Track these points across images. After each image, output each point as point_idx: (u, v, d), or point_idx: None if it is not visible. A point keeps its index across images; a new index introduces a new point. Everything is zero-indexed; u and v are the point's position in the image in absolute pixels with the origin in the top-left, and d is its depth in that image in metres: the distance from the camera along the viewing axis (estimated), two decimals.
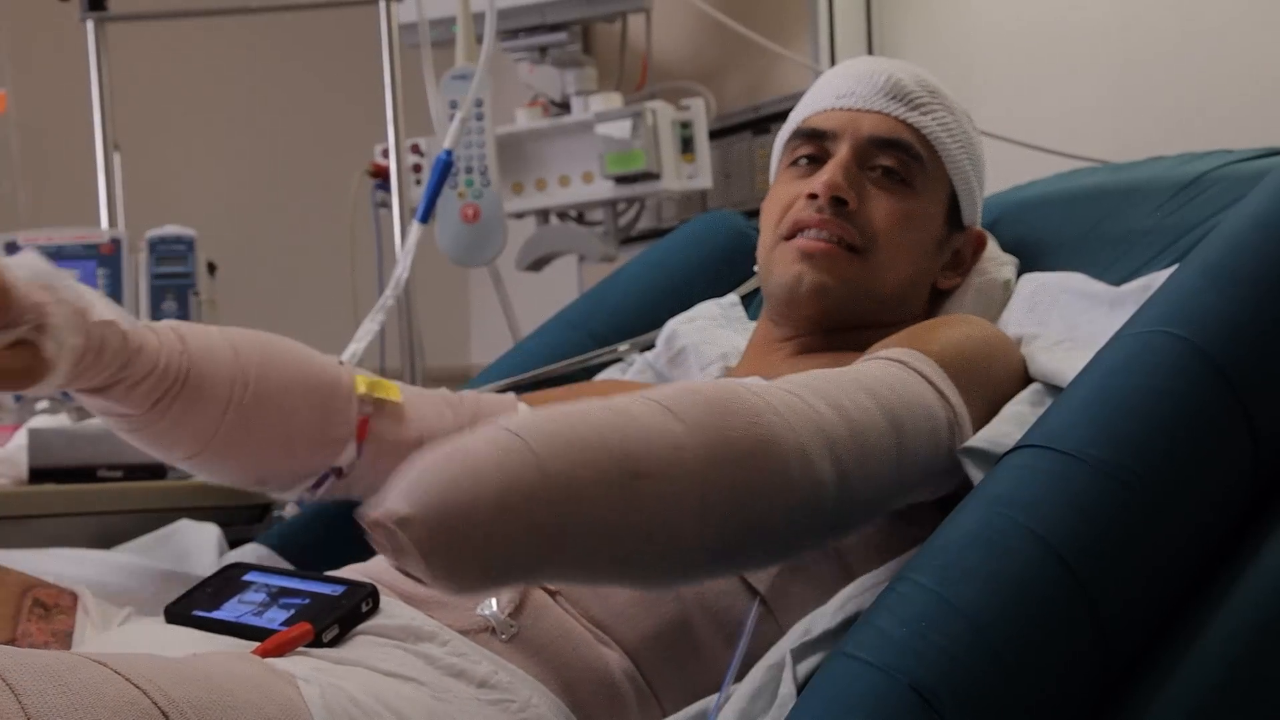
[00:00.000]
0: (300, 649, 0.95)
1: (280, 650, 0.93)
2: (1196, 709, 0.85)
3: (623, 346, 1.64)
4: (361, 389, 1.29)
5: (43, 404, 2.11)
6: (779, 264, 1.29)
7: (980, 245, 1.36)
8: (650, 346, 1.62)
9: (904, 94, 1.30)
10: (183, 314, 2.35)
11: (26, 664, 0.78)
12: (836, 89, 1.33)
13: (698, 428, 0.84)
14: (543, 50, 2.59)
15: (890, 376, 1.01)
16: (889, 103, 1.29)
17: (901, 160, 1.28)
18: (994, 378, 1.11)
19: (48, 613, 1.14)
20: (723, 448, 0.84)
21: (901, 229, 1.27)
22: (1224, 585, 0.90)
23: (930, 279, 1.33)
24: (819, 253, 1.26)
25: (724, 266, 1.72)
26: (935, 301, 1.37)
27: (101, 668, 0.81)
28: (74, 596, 1.16)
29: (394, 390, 1.31)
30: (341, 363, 1.34)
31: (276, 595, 1.02)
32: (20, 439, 1.93)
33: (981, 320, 1.20)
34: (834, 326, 1.29)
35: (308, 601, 1.00)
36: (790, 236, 1.28)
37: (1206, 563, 0.91)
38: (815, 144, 1.31)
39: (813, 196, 1.27)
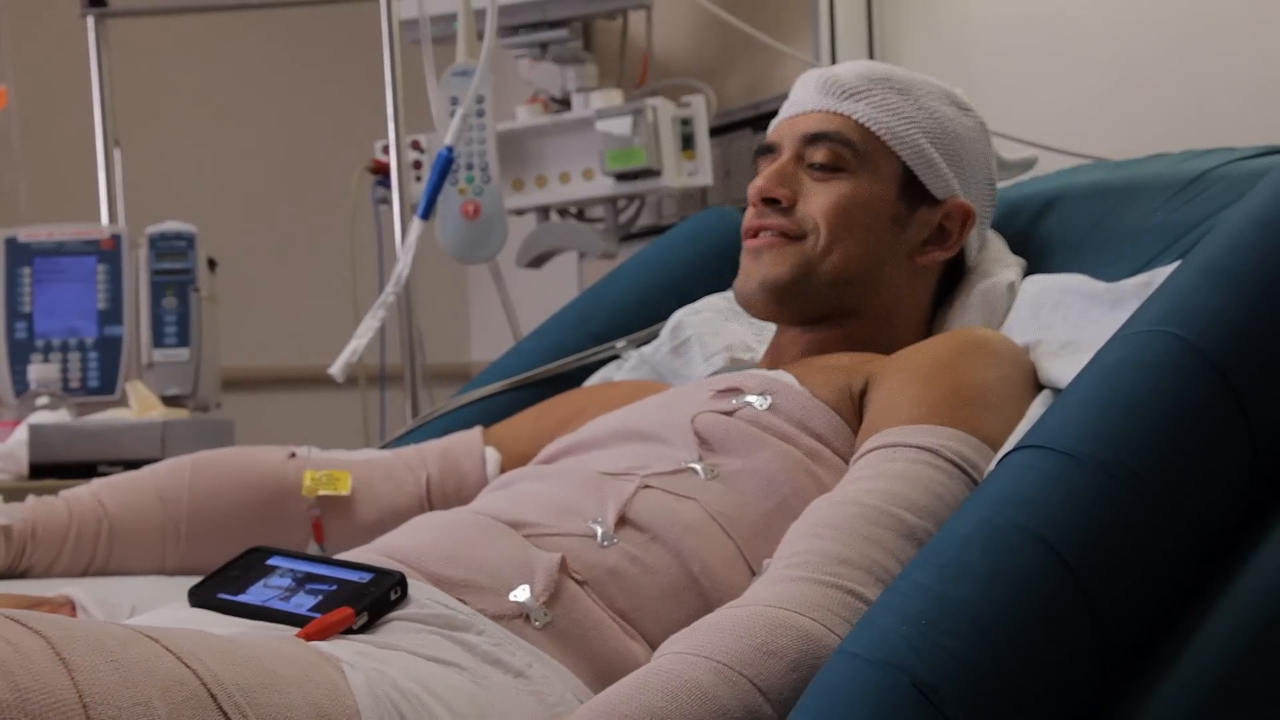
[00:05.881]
0: (338, 634, 0.95)
1: (323, 635, 0.93)
2: (1197, 707, 0.85)
3: (620, 343, 1.64)
4: (308, 492, 1.35)
5: (43, 400, 2.11)
6: (740, 270, 1.35)
7: (968, 218, 1.34)
8: (647, 342, 1.62)
9: (837, 87, 1.33)
10: (183, 309, 2.36)
11: (78, 636, 0.79)
12: (787, 104, 1.39)
13: None
14: (543, 47, 2.59)
15: (938, 500, 1.01)
16: (822, 99, 1.34)
17: (832, 150, 1.31)
18: (1020, 408, 1.12)
19: None
20: None
21: (841, 212, 1.30)
22: (1223, 584, 0.90)
23: (900, 256, 1.33)
24: (762, 247, 1.32)
25: (724, 263, 1.72)
26: (942, 290, 1.37)
27: (153, 643, 0.82)
28: (71, 604, 1.17)
29: (343, 482, 1.36)
30: (293, 455, 1.39)
31: (302, 580, 1.01)
32: (21, 434, 1.93)
33: (1001, 346, 1.19)
34: (811, 318, 1.32)
35: (335, 588, 0.99)
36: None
37: (1205, 561, 0.91)
38: (769, 158, 1.36)
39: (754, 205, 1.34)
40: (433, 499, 1.38)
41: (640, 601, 1.05)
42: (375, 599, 0.97)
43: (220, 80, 3.42)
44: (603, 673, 1.00)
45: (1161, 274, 1.12)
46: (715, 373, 1.43)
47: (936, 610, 0.82)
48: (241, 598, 1.01)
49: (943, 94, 1.36)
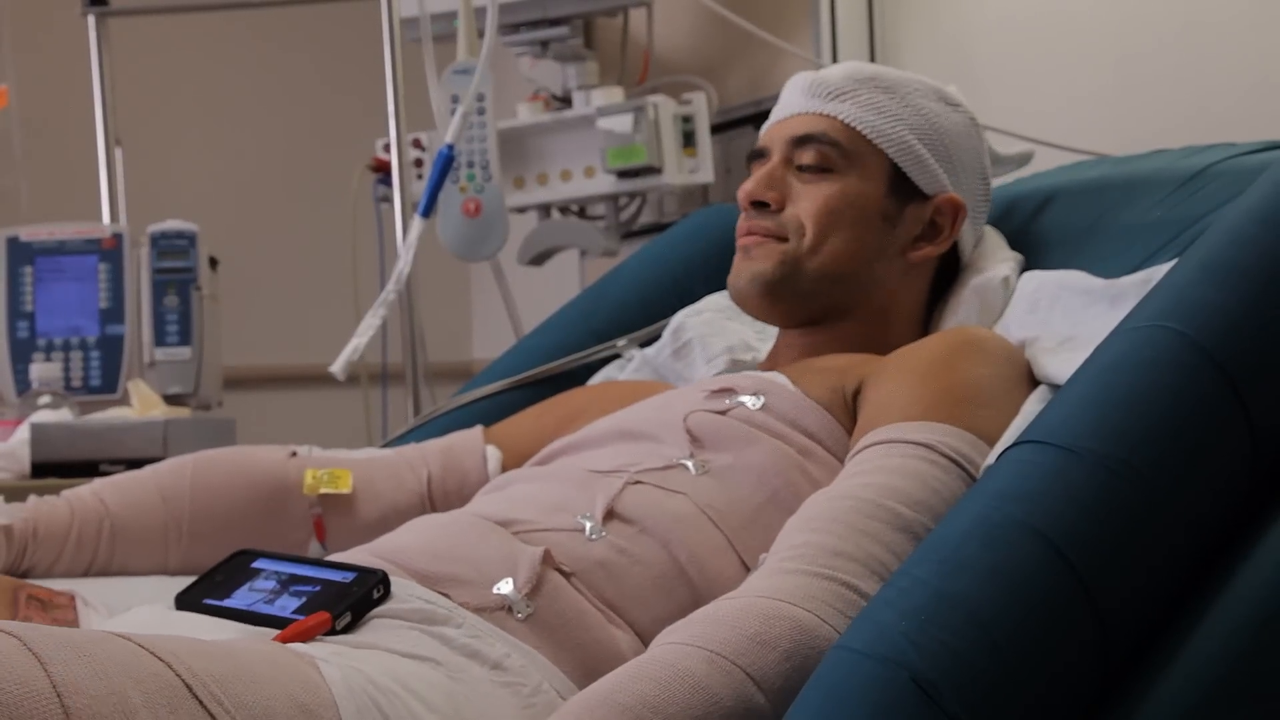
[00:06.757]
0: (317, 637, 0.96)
1: (300, 638, 0.94)
2: (1197, 702, 0.85)
3: (621, 342, 1.63)
4: (309, 490, 1.36)
5: (45, 399, 2.11)
6: (732, 268, 1.36)
7: (959, 211, 1.35)
8: (649, 342, 1.62)
9: (823, 89, 1.35)
10: (185, 308, 2.36)
11: (49, 636, 0.80)
12: (776, 108, 1.39)
13: None
14: (544, 44, 2.59)
15: (935, 495, 1.01)
16: (808, 101, 1.35)
17: (819, 151, 1.32)
18: (1015, 404, 1.12)
19: (45, 605, 1.15)
20: None
21: (828, 212, 1.31)
22: (1223, 579, 0.90)
23: (891, 253, 1.33)
24: (751, 244, 1.33)
25: (725, 260, 1.70)
26: (939, 288, 1.37)
27: (126, 642, 0.82)
28: (70, 596, 1.17)
29: (344, 480, 1.36)
30: (294, 454, 1.40)
31: (287, 583, 1.02)
32: (23, 433, 1.93)
33: (994, 343, 1.19)
34: (805, 318, 1.33)
35: (319, 589, 1.00)
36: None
37: (1205, 556, 0.91)
38: (760, 163, 1.37)
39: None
40: (434, 497, 1.38)
41: (628, 591, 1.06)
42: (358, 598, 0.98)
43: (221, 79, 3.42)
44: (585, 662, 1.01)
45: (1161, 270, 1.12)
46: (717, 375, 1.43)
47: (935, 606, 0.82)
48: (227, 602, 1.01)
49: (931, 91, 1.36)
